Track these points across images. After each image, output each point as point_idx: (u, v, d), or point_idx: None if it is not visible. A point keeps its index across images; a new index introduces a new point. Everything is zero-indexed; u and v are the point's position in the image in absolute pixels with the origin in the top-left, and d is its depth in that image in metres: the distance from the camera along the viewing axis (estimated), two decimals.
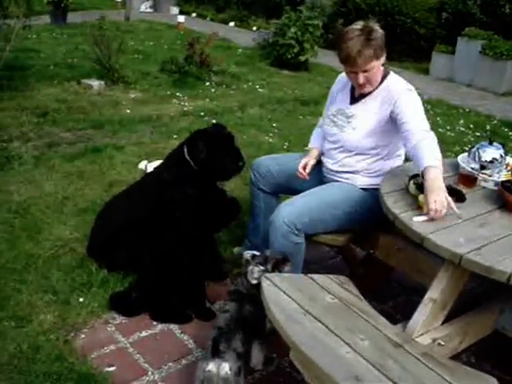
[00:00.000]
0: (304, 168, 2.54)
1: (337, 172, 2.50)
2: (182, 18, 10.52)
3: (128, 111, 5.26)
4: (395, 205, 2.05)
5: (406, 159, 2.52)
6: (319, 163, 2.61)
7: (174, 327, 2.40)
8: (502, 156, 2.36)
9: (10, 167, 3.73)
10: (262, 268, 2.11)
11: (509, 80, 8.04)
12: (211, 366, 1.82)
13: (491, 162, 2.33)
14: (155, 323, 2.40)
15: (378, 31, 2.29)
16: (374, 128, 2.37)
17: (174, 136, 4.60)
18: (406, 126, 2.23)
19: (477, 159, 2.36)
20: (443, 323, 1.92)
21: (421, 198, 2.00)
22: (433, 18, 9.63)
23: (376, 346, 1.67)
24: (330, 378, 1.52)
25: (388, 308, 2.64)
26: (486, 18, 9.05)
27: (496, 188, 2.23)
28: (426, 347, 1.77)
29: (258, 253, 2.20)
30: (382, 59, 2.32)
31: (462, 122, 6.24)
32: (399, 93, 2.33)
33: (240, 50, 8.85)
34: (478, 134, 5.82)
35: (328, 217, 2.33)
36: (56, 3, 8.91)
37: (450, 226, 1.91)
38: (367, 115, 2.40)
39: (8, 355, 2.09)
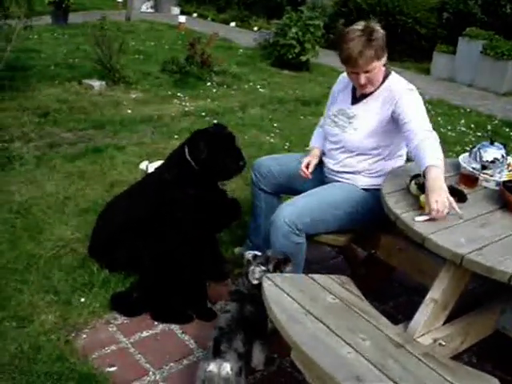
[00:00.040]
0: (307, 167, 2.54)
1: (338, 172, 2.50)
2: (182, 19, 10.52)
3: (129, 111, 5.27)
4: (396, 205, 2.05)
5: (408, 159, 2.52)
6: (320, 163, 2.61)
7: (175, 327, 2.40)
8: (503, 156, 2.36)
9: (12, 167, 3.73)
10: (263, 268, 2.11)
11: (510, 80, 8.03)
12: (212, 366, 1.82)
13: (492, 162, 2.33)
14: (156, 323, 2.41)
15: (379, 31, 2.28)
16: (376, 128, 2.37)
17: (175, 136, 4.60)
18: (407, 125, 2.22)
19: (478, 159, 2.35)
20: (444, 323, 1.92)
21: (422, 198, 1.99)
22: (434, 18, 9.61)
23: (377, 346, 1.67)
24: (331, 378, 1.52)
25: (389, 308, 2.64)
26: (487, 18, 9.04)
27: (497, 188, 2.22)
28: (428, 347, 1.77)
29: (259, 253, 2.20)
30: (384, 59, 2.32)
31: (463, 121, 6.23)
32: (401, 93, 2.32)
33: (241, 51, 8.85)
34: (479, 134, 5.81)
35: (329, 217, 2.32)
36: (57, 3, 8.92)
37: (451, 226, 1.91)
38: (369, 115, 2.39)
39: (9, 355, 2.09)
